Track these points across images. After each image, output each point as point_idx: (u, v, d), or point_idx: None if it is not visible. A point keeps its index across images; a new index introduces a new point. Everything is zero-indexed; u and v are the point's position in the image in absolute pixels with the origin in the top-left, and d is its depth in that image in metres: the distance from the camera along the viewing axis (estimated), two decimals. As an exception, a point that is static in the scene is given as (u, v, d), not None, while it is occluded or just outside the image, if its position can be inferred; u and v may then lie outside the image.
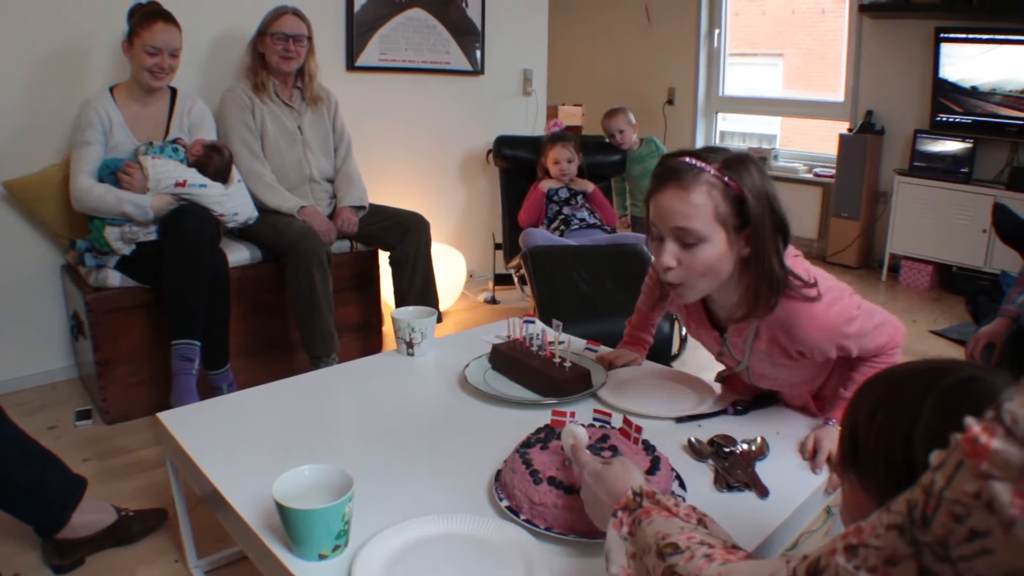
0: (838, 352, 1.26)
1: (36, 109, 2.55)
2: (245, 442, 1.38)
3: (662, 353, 2.29)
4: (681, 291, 1.23)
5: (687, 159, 1.16)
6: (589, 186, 3.38)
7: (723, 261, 1.18)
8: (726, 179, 1.14)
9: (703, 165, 1.15)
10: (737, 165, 1.16)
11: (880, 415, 0.70)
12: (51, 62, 2.55)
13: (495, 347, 1.70)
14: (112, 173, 2.29)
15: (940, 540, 0.47)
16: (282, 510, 0.99)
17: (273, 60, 2.65)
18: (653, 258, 1.25)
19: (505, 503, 1.12)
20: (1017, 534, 0.42)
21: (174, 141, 2.42)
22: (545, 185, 3.34)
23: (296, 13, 2.65)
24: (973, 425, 0.46)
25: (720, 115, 5.70)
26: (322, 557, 1.01)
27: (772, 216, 1.17)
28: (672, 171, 1.17)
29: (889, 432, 0.68)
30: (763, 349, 1.31)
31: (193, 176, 2.32)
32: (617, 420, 1.27)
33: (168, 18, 2.32)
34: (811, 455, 1.30)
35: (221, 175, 2.40)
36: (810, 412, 1.47)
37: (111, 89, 2.40)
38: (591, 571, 1.00)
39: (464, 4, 3.69)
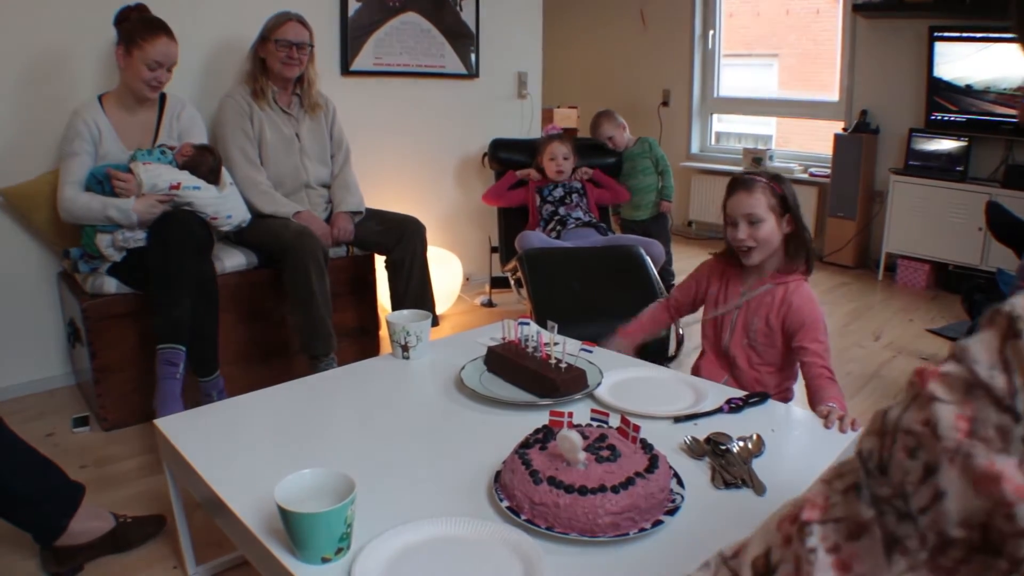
0: (799, 339, 1.71)
1: (29, 117, 2.55)
2: (243, 447, 1.38)
3: (659, 354, 2.30)
4: (751, 254, 1.76)
5: (748, 175, 1.79)
6: (588, 172, 3.45)
7: (773, 235, 1.75)
8: (772, 184, 1.76)
9: (757, 177, 1.77)
10: (777, 177, 1.80)
11: None
12: (42, 70, 2.55)
13: (490, 349, 1.70)
14: (99, 182, 2.28)
15: (898, 488, 0.45)
16: (285, 514, 0.99)
17: (275, 67, 2.64)
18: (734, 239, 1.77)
19: (506, 504, 1.12)
20: (962, 464, 0.41)
21: (161, 146, 2.40)
22: (523, 174, 3.43)
23: (300, 20, 2.64)
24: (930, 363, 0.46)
25: (715, 116, 5.70)
26: (325, 560, 1.01)
27: (798, 208, 1.79)
28: (740, 181, 1.78)
29: None
30: (761, 307, 1.79)
31: (187, 178, 2.31)
32: (615, 420, 1.27)
33: (169, 32, 2.32)
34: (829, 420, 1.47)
35: (213, 175, 2.39)
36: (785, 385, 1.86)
37: (100, 98, 2.39)
38: (593, 570, 1.01)
39: (458, 7, 3.69)
